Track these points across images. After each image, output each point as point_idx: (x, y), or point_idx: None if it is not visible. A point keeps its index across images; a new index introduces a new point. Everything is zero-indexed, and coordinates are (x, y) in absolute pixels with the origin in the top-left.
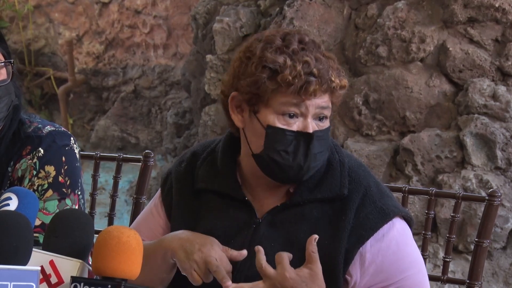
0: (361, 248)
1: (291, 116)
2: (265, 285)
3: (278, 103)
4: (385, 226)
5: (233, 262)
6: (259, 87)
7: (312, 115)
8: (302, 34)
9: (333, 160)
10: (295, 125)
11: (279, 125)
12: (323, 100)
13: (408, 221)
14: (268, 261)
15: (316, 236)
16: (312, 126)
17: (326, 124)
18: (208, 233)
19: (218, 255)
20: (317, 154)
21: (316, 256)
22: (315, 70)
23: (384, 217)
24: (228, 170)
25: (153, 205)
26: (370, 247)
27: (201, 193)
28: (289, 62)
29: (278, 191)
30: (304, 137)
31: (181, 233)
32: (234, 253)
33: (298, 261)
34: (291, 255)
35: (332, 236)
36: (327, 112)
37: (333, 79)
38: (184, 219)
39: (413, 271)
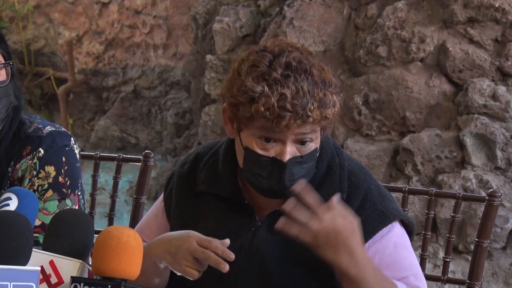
0: None
1: (268, 140)
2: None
3: (254, 127)
4: (385, 229)
5: (231, 262)
6: (238, 110)
7: (293, 140)
8: (290, 58)
9: (333, 164)
10: (273, 149)
11: (256, 148)
12: (304, 129)
13: (410, 227)
14: (266, 265)
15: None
16: (291, 151)
17: (310, 147)
18: (208, 236)
19: (197, 238)
20: (296, 178)
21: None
22: (288, 106)
23: (384, 220)
24: (229, 173)
25: (155, 209)
26: (368, 249)
27: (201, 195)
28: (266, 91)
29: None
30: (278, 164)
31: (161, 238)
32: (216, 242)
33: (297, 264)
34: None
35: None
36: (312, 136)
37: (310, 113)
38: (183, 220)
39: (410, 273)
